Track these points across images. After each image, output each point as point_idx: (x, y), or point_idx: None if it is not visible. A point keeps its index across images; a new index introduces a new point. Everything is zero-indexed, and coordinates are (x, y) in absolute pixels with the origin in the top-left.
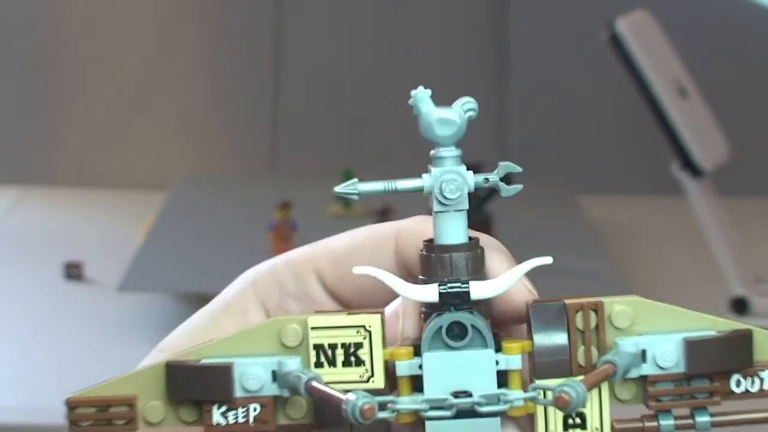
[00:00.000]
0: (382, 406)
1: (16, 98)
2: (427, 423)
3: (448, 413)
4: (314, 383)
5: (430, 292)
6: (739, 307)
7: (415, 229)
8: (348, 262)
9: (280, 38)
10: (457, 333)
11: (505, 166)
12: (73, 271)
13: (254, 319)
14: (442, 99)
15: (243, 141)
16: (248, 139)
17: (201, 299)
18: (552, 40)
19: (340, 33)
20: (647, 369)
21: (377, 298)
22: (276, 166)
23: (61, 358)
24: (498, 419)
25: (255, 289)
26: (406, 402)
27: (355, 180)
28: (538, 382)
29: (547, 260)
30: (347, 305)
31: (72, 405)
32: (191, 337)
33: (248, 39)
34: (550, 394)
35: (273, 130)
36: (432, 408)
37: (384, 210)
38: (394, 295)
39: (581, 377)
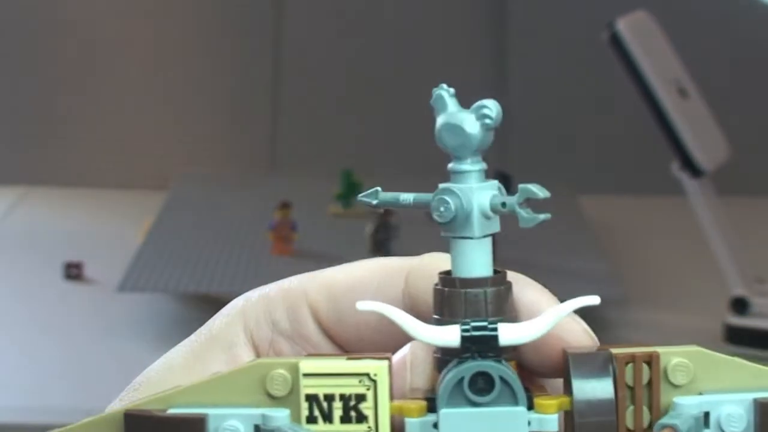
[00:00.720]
0: None
1: (16, 98)
2: None
3: None
4: None
5: (449, 335)
6: (739, 307)
7: (429, 266)
8: (347, 300)
9: (280, 38)
10: (482, 386)
11: (524, 189)
12: (73, 271)
13: (241, 356)
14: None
15: (243, 141)
16: (248, 139)
17: (201, 299)
18: (552, 40)
19: (340, 33)
20: None
21: (379, 345)
22: (276, 166)
23: (61, 358)
24: None
25: (244, 321)
26: None
27: (378, 189)
28: None
29: (595, 300)
30: (345, 347)
31: None
32: (171, 374)
33: (248, 39)
34: None
35: (273, 130)
36: None
37: (385, 210)
38: (400, 342)
39: None
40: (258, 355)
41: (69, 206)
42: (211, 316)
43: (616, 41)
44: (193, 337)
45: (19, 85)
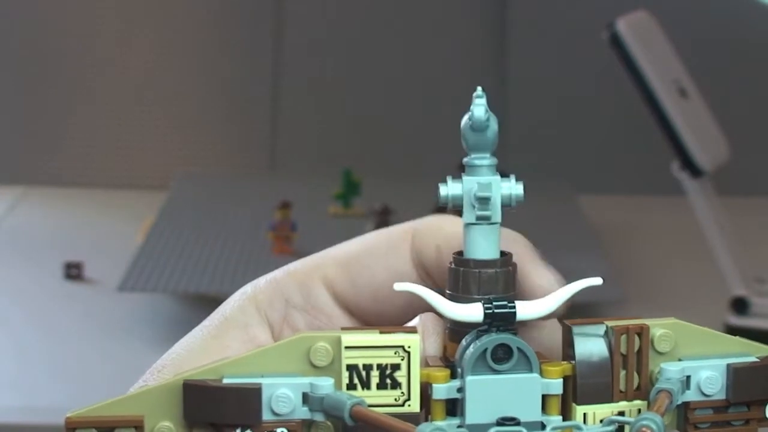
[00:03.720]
0: None
1: (16, 98)
2: None
3: None
4: (362, 409)
5: (474, 311)
6: (739, 307)
7: (431, 226)
8: (361, 264)
9: (280, 39)
10: (501, 356)
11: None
12: (73, 271)
13: (257, 334)
14: (442, 99)
15: (243, 141)
16: (248, 139)
17: (201, 299)
18: (552, 40)
19: (340, 34)
20: (690, 396)
21: (393, 306)
22: (276, 166)
23: (61, 358)
24: None
25: (256, 303)
26: (475, 416)
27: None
28: (614, 417)
29: (597, 281)
30: (359, 313)
31: (71, 426)
32: (192, 355)
33: (248, 39)
34: (627, 428)
35: (273, 130)
36: None
37: (384, 210)
38: (410, 301)
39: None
40: (272, 331)
41: (69, 206)
42: None
43: (616, 41)
44: (206, 321)
45: (20, 85)
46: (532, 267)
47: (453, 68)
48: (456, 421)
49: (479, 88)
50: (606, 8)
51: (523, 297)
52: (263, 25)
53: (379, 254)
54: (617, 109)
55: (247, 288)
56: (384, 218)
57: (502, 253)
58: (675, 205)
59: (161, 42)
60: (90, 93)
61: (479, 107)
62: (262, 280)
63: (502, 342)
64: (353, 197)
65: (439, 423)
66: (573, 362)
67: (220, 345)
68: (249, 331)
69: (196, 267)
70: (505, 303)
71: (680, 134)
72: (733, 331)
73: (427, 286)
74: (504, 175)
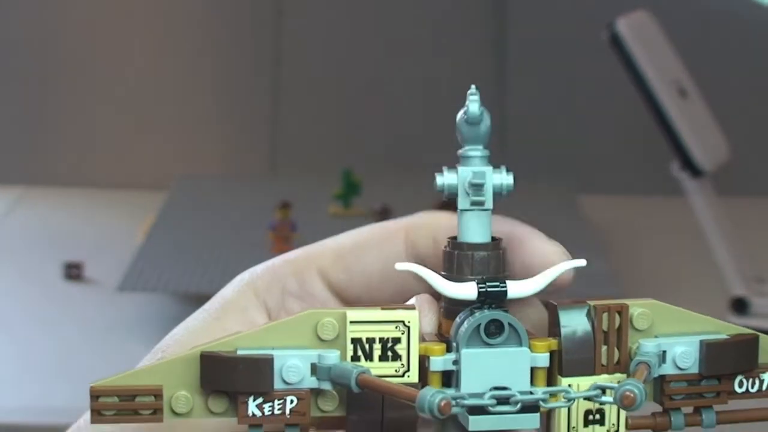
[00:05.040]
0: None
1: (16, 98)
2: (471, 418)
3: (508, 409)
4: (367, 376)
5: (468, 290)
6: (739, 307)
7: (423, 222)
8: (355, 256)
9: (280, 38)
10: (493, 331)
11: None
12: (73, 271)
13: (255, 318)
14: (442, 99)
15: (243, 141)
16: (248, 140)
17: (201, 299)
18: (552, 40)
19: (340, 33)
20: (667, 369)
21: (384, 294)
22: (276, 166)
23: (61, 359)
24: (537, 414)
25: (254, 288)
26: (475, 397)
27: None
28: (599, 382)
29: (581, 263)
30: (352, 301)
31: (95, 394)
32: (194, 336)
33: (248, 39)
34: (610, 393)
35: (273, 130)
36: (499, 403)
37: (383, 210)
38: (401, 290)
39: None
40: (270, 316)
41: (69, 206)
42: None
43: (616, 41)
44: (207, 305)
45: (19, 85)
46: (536, 238)
47: (453, 68)
48: (451, 391)
49: (473, 87)
50: (606, 8)
51: (528, 269)
52: (263, 25)
53: (373, 246)
54: (617, 109)
55: (245, 275)
56: (384, 218)
57: (493, 238)
58: (675, 205)
59: (161, 42)
60: (90, 93)
61: (474, 103)
62: (260, 268)
63: (495, 318)
64: (353, 197)
65: (459, 392)
66: (558, 338)
67: (220, 327)
68: (248, 315)
69: (196, 267)
70: (497, 282)
71: (680, 134)
72: None
73: None
74: (496, 166)
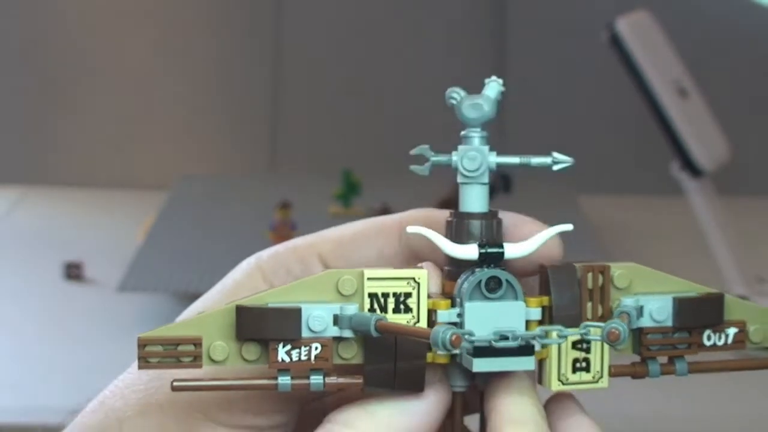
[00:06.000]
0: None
1: (16, 98)
2: (475, 360)
3: (510, 344)
4: (384, 322)
5: (470, 251)
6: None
7: (418, 217)
8: (353, 246)
9: (280, 38)
10: (493, 286)
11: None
12: (73, 271)
13: None
14: (442, 98)
15: (243, 141)
16: (248, 139)
17: None
18: (552, 40)
19: (340, 33)
20: (644, 321)
21: None
22: (276, 166)
23: (61, 359)
24: (533, 357)
25: (262, 272)
26: (481, 335)
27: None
28: (588, 322)
29: (568, 227)
30: None
31: (143, 343)
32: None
33: (248, 39)
34: (597, 332)
35: (273, 130)
36: (501, 339)
37: (383, 210)
38: None
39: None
40: None
41: (69, 206)
42: None
43: (616, 41)
44: (218, 286)
45: (19, 84)
46: (530, 222)
47: (453, 68)
48: (467, 346)
49: (494, 77)
50: (606, 8)
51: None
52: (263, 25)
53: (370, 237)
54: (617, 109)
55: (252, 259)
56: None
57: (490, 211)
58: (675, 205)
59: (161, 42)
60: (90, 93)
61: (494, 88)
62: (266, 253)
63: (494, 275)
64: (353, 197)
65: (467, 329)
66: (549, 296)
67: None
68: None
69: (196, 267)
70: (495, 244)
71: (680, 134)
72: None
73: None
74: (492, 147)
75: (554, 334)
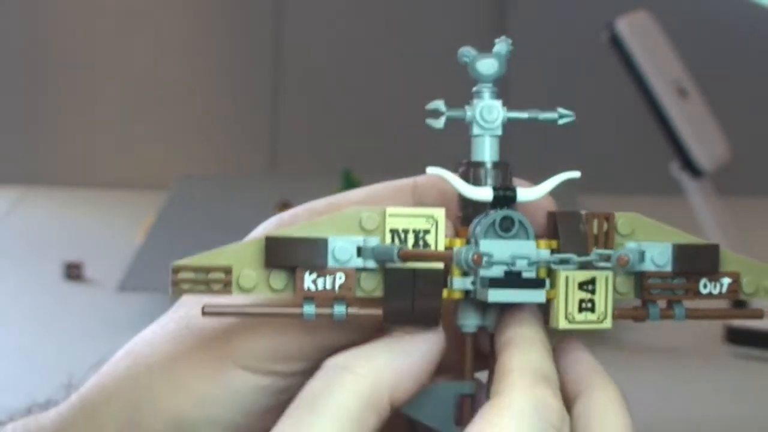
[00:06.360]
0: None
1: (16, 98)
2: (490, 291)
3: (527, 268)
4: (406, 249)
5: (486, 193)
6: (739, 307)
7: (430, 180)
8: (371, 204)
9: (280, 38)
10: (506, 226)
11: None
12: (73, 271)
13: None
14: (442, 98)
15: (243, 141)
16: (248, 139)
17: None
18: (552, 40)
19: (340, 33)
20: (646, 266)
21: None
22: (276, 166)
23: (60, 359)
24: (543, 290)
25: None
26: (497, 258)
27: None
28: (597, 250)
29: (576, 174)
30: None
31: (176, 269)
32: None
33: (248, 39)
34: (603, 261)
35: (273, 130)
36: (515, 262)
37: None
38: None
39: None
40: None
41: (69, 206)
42: None
43: (616, 41)
44: (246, 239)
45: (19, 84)
46: (532, 185)
47: (453, 68)
48: (471, 278)
49: (504, 37)
50: (606, 8)
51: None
52: (263, 25)
53: (386, 196)
54: (617, 109)
55: (273, 219)
56: None
57: (501, 161)
58: (675, 205)
59: (161, 42)
60: (90, 93)
61: (503, 47)
62: (286, 215)
63: (508, 215)
64: None
65: (485, 250)
66: (557, 239)
67: None
68: None
69: None
70: (508, 187)
71: (680, 134)
72: (733, 331)
73: None
74: (504, 102)
75: (568, 260)
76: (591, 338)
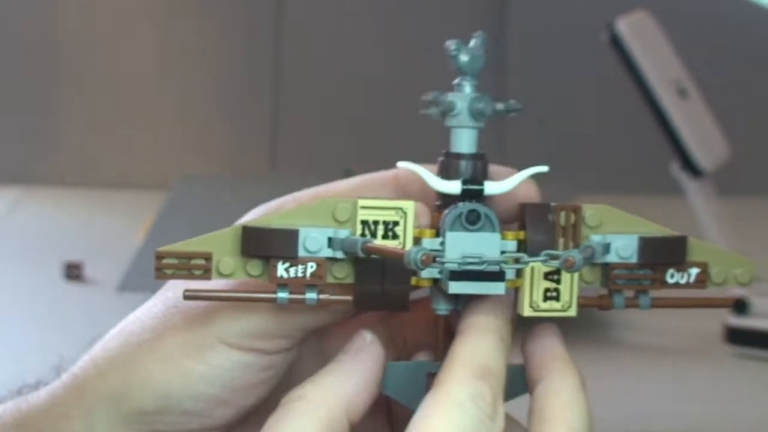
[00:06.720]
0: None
1: (16, 98)
2: (450, 283)
3: (476, 267)
4: (370, 244)
5: (454, 186)
6: (739, 307)
7: (409, 172)
8: (354, 195)
9: (280, 38)
10: (473, 219)
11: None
12: (73, 271)
13: None
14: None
15: (243, 141)
16: (248, 139)
17: None
18: (552, 40)
19: (340, 33)
20: (611, 258)
21: None
22: (277, 166)
23: (61, 359)
24: (503, 283)
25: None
26: (451, 256)
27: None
28: (548, 251)
29: (544, 169)
30: None
31: (160, 255)
32: None
33: (248, 39)
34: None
35: (273, 130)
36: (469, 263)
37: None
38: None
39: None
40: None
41: (69, 206)
42: None
43: (616, 41)
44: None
45: (19, 84)
46: (512, 172)
47: (453, 68)
48: (438, 267)
49: (481, 32)
50: (606, 8)
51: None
52: (264, 24)
53: (368, 188)
54: (617, 109)
55: (261, 208)
56: None
57: (479, 153)
58: (675, 205)
59: (162, 42)
60: (90, 93)
61: (481, 41)
62: (274, 203)
63: (474, 208)
64: None
65: (441, 249)
66: (525, 231)
67: None
68: None
69: None
70: (476, 181)
71: (680, 134)
72: (733, 331)
73: None
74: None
75: (517, 261)
76: (591, 338)
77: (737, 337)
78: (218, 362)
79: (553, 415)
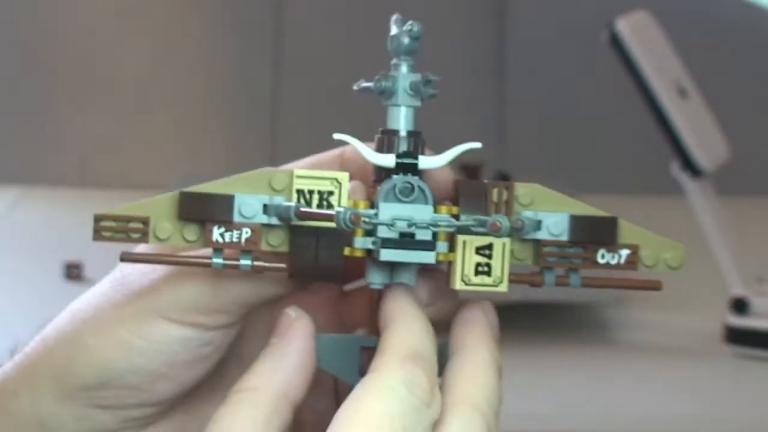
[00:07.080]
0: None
1: (16, 98)
2: (382, 250)
3: (406, 229)
4: (304, 209)
5: (388, 159)
6: (739, 307)
7: (353, 150)
8: None
9: (279, 39)
10: (406, 192)
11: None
12: (73, 271)
13: None
14: (442, 99)
15: (243, 141)
16: (249, 139)
17: None
18: (552, 40)
19: (341, 32)
20: (542, 235)
21: None
22: (276, 166)
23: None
24: (433, 252)
25: None
26: (381, 218)
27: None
28: (476, 216)
29: (477, 145)
30: None
31: (98, 218)
32: None
33: (248, 39)
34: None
35: (273, 130)
36: (395, 223)
37: None
38: None
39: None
40: None
41: (69, 206)
42: None
43: (616, 41)
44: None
45: (19, 84)
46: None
47: (453, 68)
48: (372, 238)
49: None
50: (606, 8)
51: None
52: (264, 23)
53: (315, 166)
54: (617, 109)
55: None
56: None
57: (415, 130)
58: (675, 205)
59: (161, 41)
60: (90, 93)
61: (417, 26)
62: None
63: (408, 181)
64: None
65: (370, 211)
66: (459, 206)
67: None
68: None
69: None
70: (411, 155)
71: (680, 134)
72: (733, 331)
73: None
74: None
75: (444, 223)
76: (591, 338)
77: (737, 337)
78: (157, 336)
79: (455, 389)
